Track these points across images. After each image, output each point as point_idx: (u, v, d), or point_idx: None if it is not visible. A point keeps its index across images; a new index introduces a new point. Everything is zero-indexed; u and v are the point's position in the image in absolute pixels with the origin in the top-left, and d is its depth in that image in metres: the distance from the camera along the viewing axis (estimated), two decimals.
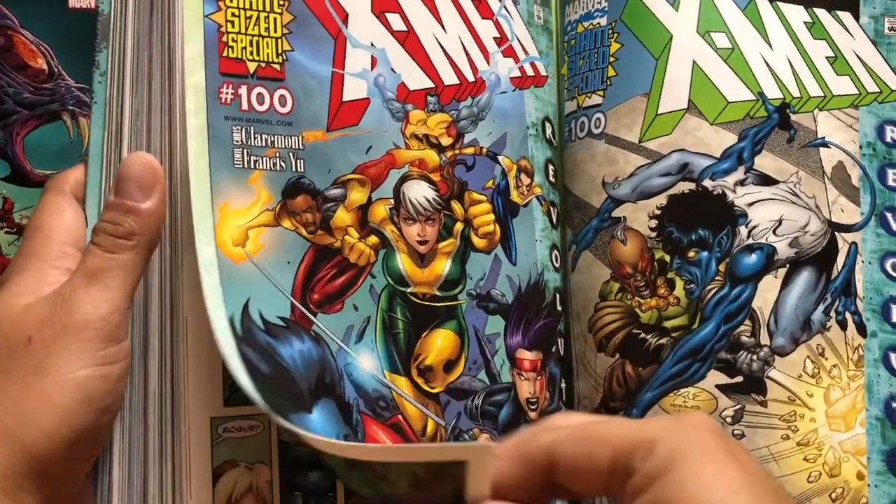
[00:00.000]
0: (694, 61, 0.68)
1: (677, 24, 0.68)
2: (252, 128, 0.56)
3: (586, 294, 0.71)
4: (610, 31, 0.70)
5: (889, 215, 0.68)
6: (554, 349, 0.70)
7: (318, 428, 0.56)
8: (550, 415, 0.64)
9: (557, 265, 0.72)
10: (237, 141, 0.55)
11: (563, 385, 0.72)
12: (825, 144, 0.67)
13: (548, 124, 0.73)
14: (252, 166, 0.56)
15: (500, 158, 0.68)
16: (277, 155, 0.57)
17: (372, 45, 0.62)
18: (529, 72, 0.71)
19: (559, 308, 0.72)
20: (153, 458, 0.53)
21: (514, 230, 0.68)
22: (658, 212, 0.68)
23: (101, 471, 0.52)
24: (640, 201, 0.69)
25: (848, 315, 0.67)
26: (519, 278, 0.68)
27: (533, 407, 0.67)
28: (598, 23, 0.71)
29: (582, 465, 0.42)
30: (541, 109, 0.72)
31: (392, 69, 0.62)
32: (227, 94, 0.55)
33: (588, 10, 0.71)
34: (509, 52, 0.69)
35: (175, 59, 0.55)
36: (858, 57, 0.69)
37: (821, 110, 0.68)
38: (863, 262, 0.67)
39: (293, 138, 0.58)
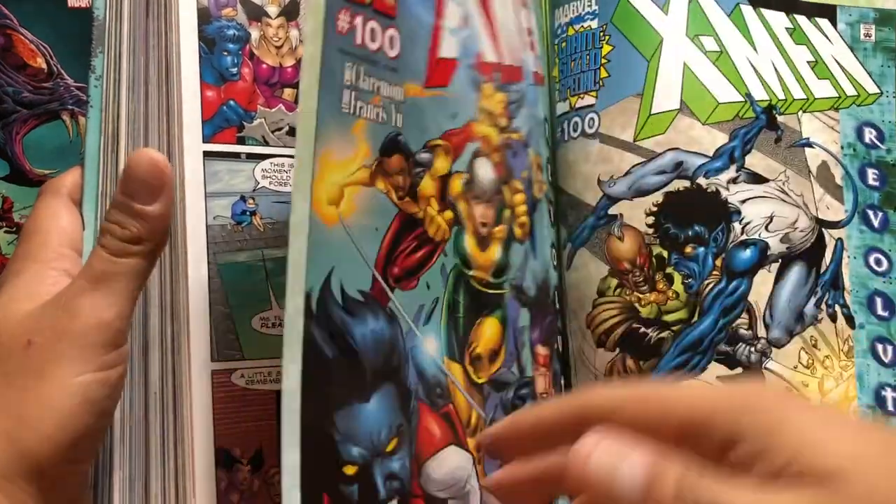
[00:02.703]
0: (685, 63, 0.71)
1: (667, 28, 0.71)
2: (362, 68, 0.52)
3: (583, 291, 0.71)
4: (601, 34, 0.72)
5: (870, 212, 0.73)
6: (556, 346, 0.70)
7: (370, 418, 0.52)
8: None
9: (555, 263, 0.72)
10: (347, 81, 0.51)
11: (563, 381, 0.71)
12: (809, 144, 0.72)
13: (546, 124, 0.73)
14: (357, 113, 0.52)
15: (529, 150, 0.67)
16: (381, 104, 0.53)
17: (464, 2, 0.60)
18: (539, 70, 0.71)
19: (557, 305, 0.72)
20: (155, 458, 0.52)
21: (535, 224, 0.68)
22: (655, 209, 0.70)
23: (101, 472, 0.52)
24: (636, 199, 0.70)
25: (837, 308, 0.72)
26: (537, 273, 0.68)
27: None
28: (589, 25, 0.73)
29: (646, 428, 0.39)
30: (543, 109, 0.72)
31: (475, 35, 0.61)
32: (343, 21, 0.50)
33: (579, 13, 0.73)
34: (532, 47, 0.69)
35: (171, 61, 0.54)
36: (837, 61, 0.74)
37: (804, 112, 0.73)
38: (849, 257, 0.72)
39: (396, 88, 0.54)
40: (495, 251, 0.62)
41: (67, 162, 0.58)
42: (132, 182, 0.49)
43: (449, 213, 0.58)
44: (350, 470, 0.50)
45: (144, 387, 0.52)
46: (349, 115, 0.50)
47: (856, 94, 0.75)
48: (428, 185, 0.57)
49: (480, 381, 0.61)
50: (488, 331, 0.62)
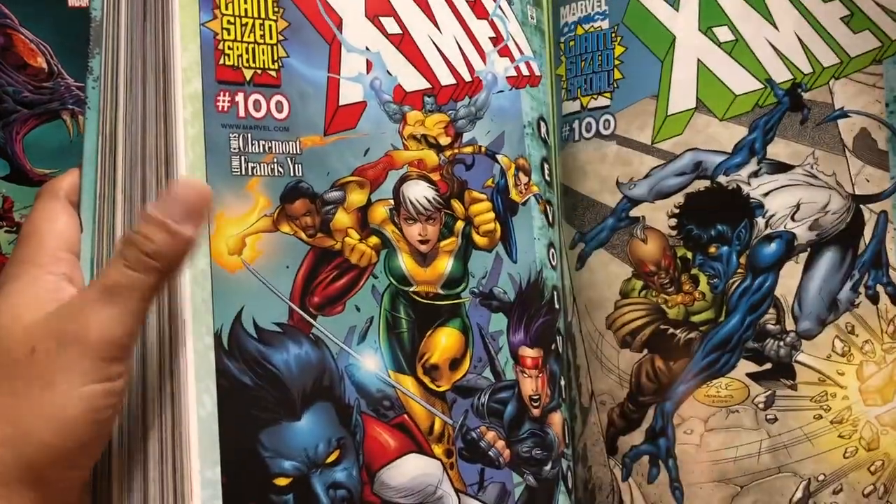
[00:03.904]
0: (699, 60, 0.68)
1: (679, 25, 0.68)
2: (249, 134, 0.57)
3: (600, 292, 0.72)
4: (613, 35, 0.71)
5: None
6: (553, 346, 0.71)
7: (303, 434, 0.57)
8: (552, 412, 0.64)
9: (554, 263, 0.72)
10: (234, 148, 0.56)
11: (563, 382, 0.72)
12: (844, 115, 0.66)
13: (542, 123, 0.73)
14: (250, 173, 0.56)
15: (499, 157, 0.68)
16: (275, 160, 0.57)
17: (367, 48, 0.62)
18: (525, 71, 0.71)
19: (557, 306, 0.72)
20: (153, 461, 0.53)
21: (513, 228, 0.68)
22: (676, 210, 0.69)
23: (100, 476, 0.52)
24: (657, 201, 0.69)
25: (880, 287, 0.66)
26: (520, 276, 0.68)
27: (535, 404, 0.68)
28: (600, 26, 0.71)
29: None
30: (536, 109, 0.72)
31: (388, 72, 0.63)
32: (223, 102, 0.56)
33: (588, 12, 0.72)
34: (505, 52, 0.69)
35: (169, 64, 0.54)
36: (879, 4, 0.67)
37: (837, 79, 0.67)
38: (895, 229, 0.66)
39: (291, 143, 0.58)
40: (444, 264, 0.64)
41: (68, 161, 0.57)
42: (174, 203, 0.49)
43: (374, 239, 0.62)
44: (282, 481, 0.56)
45: (142, 388, 0.52)
46: (241, 176, 0.56)
47: None
48: (343, 219, 0.60)
49: (441, 389, 0.64)
50: (444, 340, 0.64)
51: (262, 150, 0.57)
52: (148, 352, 0.53)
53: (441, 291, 0.64)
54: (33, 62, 0.67)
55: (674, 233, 0.69)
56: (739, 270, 0.67)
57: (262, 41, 0.58)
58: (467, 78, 0.67)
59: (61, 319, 0.48)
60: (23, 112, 0.67)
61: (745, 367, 0.67)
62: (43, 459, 0.46)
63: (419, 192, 0.64)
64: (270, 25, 0.59)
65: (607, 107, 0.71)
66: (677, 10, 0.68)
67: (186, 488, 0.52)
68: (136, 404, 0.53)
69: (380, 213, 0.62)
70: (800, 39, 0.67)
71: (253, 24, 0.58)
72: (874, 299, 0.66)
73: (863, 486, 0.66)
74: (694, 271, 0.68)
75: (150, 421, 0.53)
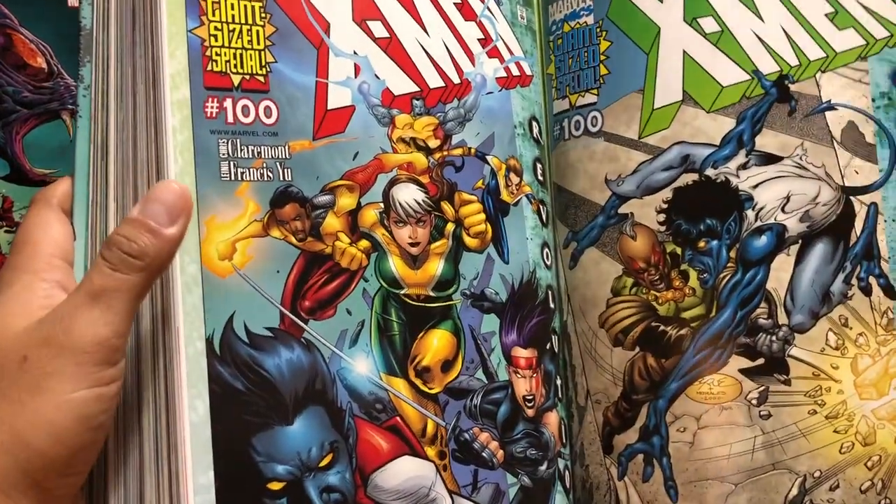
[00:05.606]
0: (684, 51, 0.67)
1: (663, 16, 0.68)
2: (238, 140, 0.57)
3: (593, 290, 0.71)
4: (598, 30, 0.71)
5: None
6: (548, 346, 0.71)
7: (296, 438, 0.58)
8: (547, 412, 0.64)
9: (549, 263, 0.72)
10: (223, 154, 0.56)
11: (559, 382, 0.72)
12: (831, 107, 0.66)
13: (534, 123, 0.73)
14: (239, 178, 0.57)
15: (489, 158, 0.68)
16: (265, 165, 0.58)
17: (354, 52, 0.62)
18: (515, 71, 0.71)
19: (552, 305, 0.72)
20: (149, 464, 0.53)
21: (505, 229, 0.68)
22: (665, 206, 0.68)
23: (96, 482, 0.53)
24: (645, 196, 0.69)
25: (872, 279, 0.65)
26: (512, 277, 0.68)
27: (530, 404, 0.68)
28: (585, 21, 0.71)
29: None
30: (527, 109, 0.72)
31: (376, 75, 0.63)
32: (212, 107, 0.56)
33: (574, 9, 0.72)
34: (494, 53, 0.69)
35: (159, 71, 0.54)
36: (862, 5, 0.66)
37: (823, 72, 0.66)
38: (885, 220, 0.65)
39: (279, 148, 0.59)
40: (434, 266, 0.65)
41: (67, 161, 0.57)
42: (153, 204, 0.50)
43: (364, 243, 0.62)
44: (276, 486, 0.57)
45: (137, 392, 0.53)
46: (230, 181, 0.57)
47: (888, 34, 0.65)
48: (333, 223, 0.61)
49: (434, 391, 0.64)
50: (436, 342, 0.64)
51: (251, 155, 0.58)
52: (140, 358, 0.54)
53: (432, 293, 0.65)
54: (33, 62, 0.67)
55: (663, 228, 0.68)
56: (730, 264, 0.66)
57: (249, 47, 0.58)
58: (456, 80, 0.67)
59: (50, 326, 0.48)
60: (23, 112, 0.67)
61: (738, 362, 0.66)
62: (38, 467, 0.47)
63: (409, 195, 0.64)
64: (258, 31, 0.59)
65: (594, 104, 0.71)
66: (662, 1, 0.69)
67: (182, 493, 0.52)
68: (129, 410, 0.53)
69: (370, 216, 0.63)
70: (785, 32, 0.66)
71: (240, 30, 0.58)
72: (867, 291, 0.65)
73: (860, 481, 0.65)
74: (683, 267, 0.68)
75: (143, 427, 0.53)
